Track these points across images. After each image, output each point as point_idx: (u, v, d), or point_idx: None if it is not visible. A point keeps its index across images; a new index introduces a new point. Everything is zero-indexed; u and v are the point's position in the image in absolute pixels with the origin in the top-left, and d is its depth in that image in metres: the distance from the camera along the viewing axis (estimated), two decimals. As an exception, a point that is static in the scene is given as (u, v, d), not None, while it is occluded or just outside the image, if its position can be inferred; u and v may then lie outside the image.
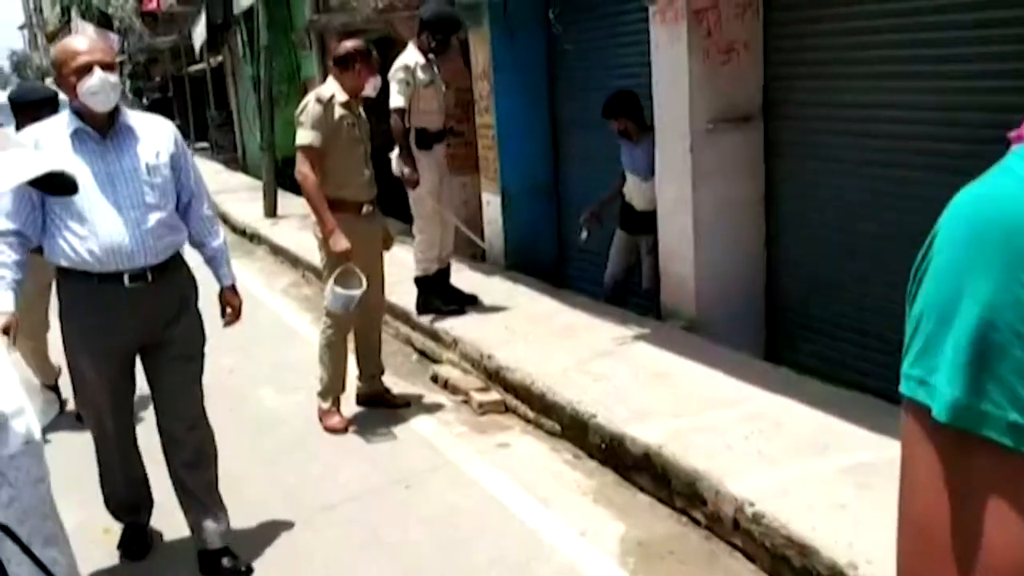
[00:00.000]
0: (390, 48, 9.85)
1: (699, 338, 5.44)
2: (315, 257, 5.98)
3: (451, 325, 6.03)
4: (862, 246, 4.99)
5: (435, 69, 6.05)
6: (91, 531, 3.75)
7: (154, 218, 3.24)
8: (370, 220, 5.00)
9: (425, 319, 6.26)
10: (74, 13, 33.36)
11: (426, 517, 4.00)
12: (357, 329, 5.14)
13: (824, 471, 3.65)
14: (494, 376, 5.32)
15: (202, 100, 22.74)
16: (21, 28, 79.24)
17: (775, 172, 5.59)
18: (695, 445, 3.95)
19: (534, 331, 5.83)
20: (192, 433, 3.53)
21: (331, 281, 4.70)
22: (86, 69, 3.09)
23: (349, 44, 5.01)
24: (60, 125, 3.22)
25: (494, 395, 5.22)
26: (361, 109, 5.00)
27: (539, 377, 4.95)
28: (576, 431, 4.54)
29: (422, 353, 6.25)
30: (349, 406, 5.19)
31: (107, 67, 3.14)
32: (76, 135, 3.18)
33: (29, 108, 4.50)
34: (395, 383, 5.50)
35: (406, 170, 5.88)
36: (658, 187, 5.84)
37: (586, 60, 6.97)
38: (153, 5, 23.93)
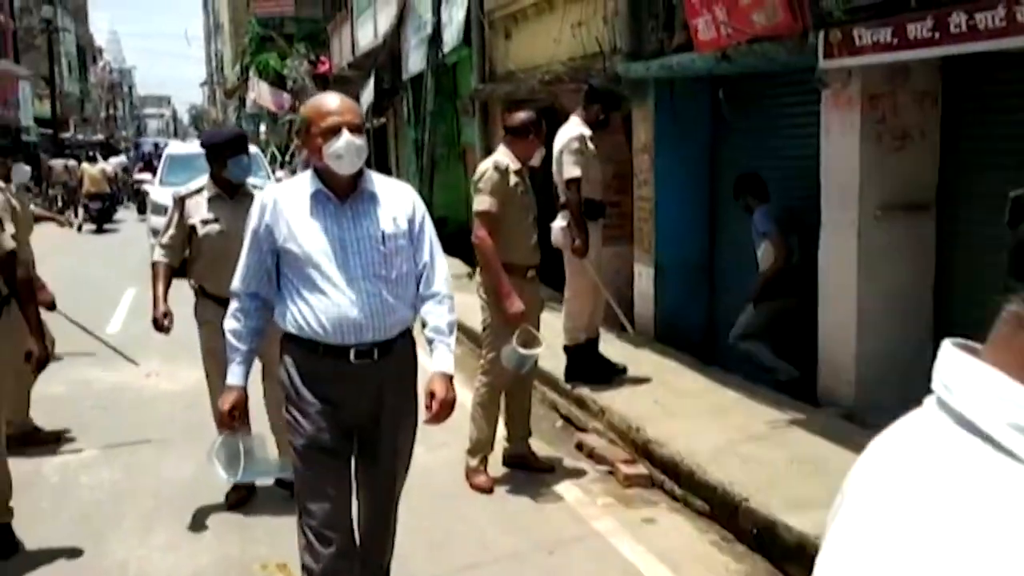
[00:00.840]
0: (551, 119, 10.11)
1: (858, 428, 5.26)
2: (469, 317, 6.14)
3: (598, 395, 6.04)
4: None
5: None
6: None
7: (386, 291, 3.03)
8: (534, 284, 5.15)
9: (573, 387, 6.29)
10: (252, 73, 35.58)
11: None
12: (509, 391, 5.22)
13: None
14: (641, 449, 5.29)
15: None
16: (202, 85, 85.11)
17: (947, 262, 5.42)
18: (854, 539, 3.80)
19: (683, 407, 5.78)
20: (380, 525, 3.32)
21: (514, 340, 4.80)
22: (334, 130, 2.94)
23: (523, 115, 5.19)
24: (302, 184, 3.08)
25: (641, 468, 5.18)
26: (528, 177, 5.16)
27: (689, 454, 4.90)
28: (726, 513, 4.46)
29: (567, 420, 6.28)
30: (495, 466, 5.25)
31: (355, 129, 2.97)
32: (315, 197, 3.02)
33: (214, 150, 4.75)
34: (540, 447, 5.53)
35: (577, 240, 5.92)
36: (821, 272, 5.74)
37: (751, 140, 6.97)
38: (325, 68, 25.40)
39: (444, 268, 3.26)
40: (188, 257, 4.86)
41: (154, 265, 4.89)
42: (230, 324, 3.17)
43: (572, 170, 5.92)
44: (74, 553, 4.35)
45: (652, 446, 5.19)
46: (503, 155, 5.08)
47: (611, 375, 6.33)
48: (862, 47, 4.81)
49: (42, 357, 4.22)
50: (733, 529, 4.40)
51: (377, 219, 3.04)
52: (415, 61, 14.36)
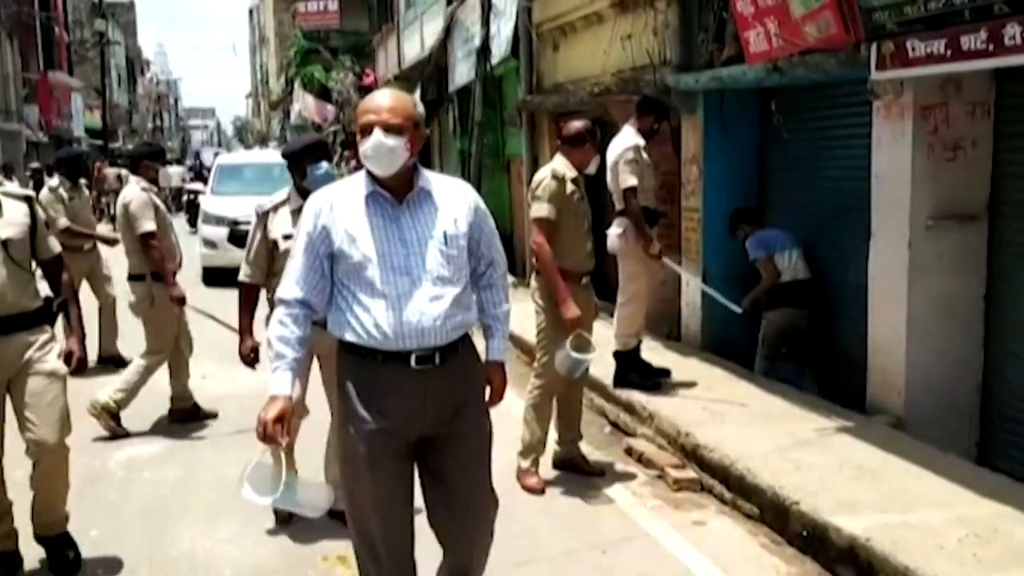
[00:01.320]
0: (601, 131, 10.21)
1: (906, 436, 5.30)
2: (521, 324, 6.23)
3: (647, 400, 6.12)
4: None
5: None
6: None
7: (447, 293, 2.91)
8: (587, 291, 5.25)
9: (621, 392, 6.38)
10: (297, 84, 36.08)
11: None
12: (561, 395, 5.31)
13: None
14: (691, 454, 5.36)
15: (407, 170, 24.10)
16: (247, 97, 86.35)
17: (998, 272, 5.45)
18: (905, 541, 3.86)
19: (732, 413, 5.84)
20: (473, 539, 3.14)
21: (567, 345, 4.85)
22: (366, 130, 2.84)
23: (579, 124, 5.30)
24: (357, 186, 2.97)
25: (690, 473, 5.25)
26: (583, 185, 5.26)
27: (739, 459, 4.96)
28: (775, 516, 4.52)
29: (615, 425, 6.36)
30: (545, 469, 5.34)
31: (391, 129, 2.83)
32: (372, 198, 2.92)
33: (294, 159, 4.57)
34: (589, 452, 5.62)
35: (654, 249, 6.17)
36: (871, 280, 5.78)
37: (800, 151, 7.03)
38: (371, 80, 25.71)
39: (504, 265, 3.23)
40: (269, 271, 4.55)
41: (240, 286, 4.64)
42: (277, 331, 2.95)
43: (629, 179, 6.10)
44: (142, 543, 4.53)
45: (701, 451, 5.26)
46: (560, 164, 5.19)
47: (656, 378, 6.43)
48: (914, 58, 4.86)
49: (81, 357, 4.11)
50: (783, 532, 4.46)
51: (437, 219, 2.94)
52: (462, 73, 14.53)
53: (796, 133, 6.86)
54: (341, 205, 2.93)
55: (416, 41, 18.19)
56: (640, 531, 4.64)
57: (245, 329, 4.61)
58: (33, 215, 4.00)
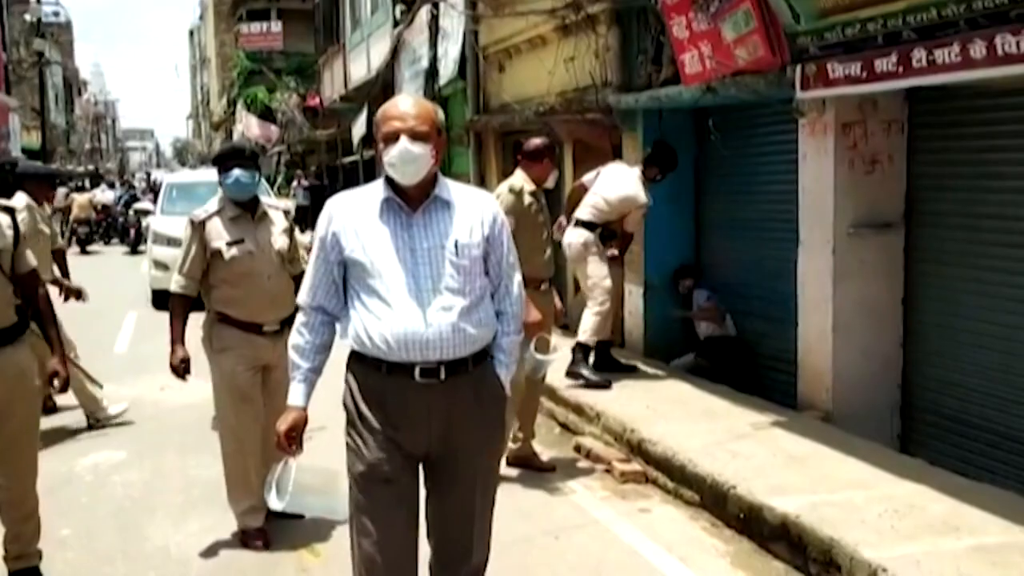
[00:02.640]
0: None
1: (834, 428, 5.72)
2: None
3: (595, 401, 6.47)
4: (996, 349, 5.25)
5: None
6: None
7: (456, 305, 2.81)
8: (547, 295, 5.55)
9: (570, 395, 6.72)
10: (239, 105, 36.00)
11: (574, 565, 4.38)
12: (523, 396, 5.53)
13: (956, 548, 3.90)
14: (636, 448, 5.71)
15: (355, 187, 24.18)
16: (188, 118, 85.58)
17: (914, 276, 5.92)
18: (831, 517, 4.25)
19: (674, 411, 6.21)
20: (456, 562, 3.04)
21: (531, 347, 4.97)
22: (392, 137, 2.77)
23: (538, 140, 5.66)
24: (373, 192, 2.90)
25: (635, 466, 5.60)
26: (543, 198, 5.62)
27: (680, 451, 5.33)
28: (715, 501, 4.88)
29: (564, 426, 6.70)
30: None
31: (417, 136, 2.76)
32: (387, 204, 2.85)
33: (217, 163, 4.56)
34: (542, 451, 5.93)
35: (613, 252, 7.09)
36: (800, 286, 6.22)
37: (734, 166, 7.47)
38: (316, 102, 25.87)
39: (518, 285, 3.09)
40: (206, 284, 4.52)
41: (172, 299, 4.58)
42: (294, 339, 2.98)
43: (646, 197, 7.12)
44: (116, 539, 4.72)
45: (646, 445, 5.61)
46: (518, 178, 5.51)
47: (619, 373, 7.12)
48: (835, 79, 5.31)
49: (65, 377, 3.94)
50: (721, 516, 4.82)
51: (451, 228, 2.84)
52: (409, 93, 14.83)
53: (730, 150, 7.30)
54: (355, 211, 2.87)
55: (363, 62, 18.46)
56: (590, 519, 4.97)
57: (176, 340, 4.55)
58: (15, 227, 3.90)
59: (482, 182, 11.94)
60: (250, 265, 4.46)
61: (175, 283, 4.54)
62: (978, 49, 4.39)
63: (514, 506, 5.10)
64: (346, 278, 2.91)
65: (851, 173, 5.87)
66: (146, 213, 18.92)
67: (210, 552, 4.53)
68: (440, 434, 2.87)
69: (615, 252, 7.17)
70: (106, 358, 9.55)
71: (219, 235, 4.45)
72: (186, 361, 4.56)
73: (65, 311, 11.54)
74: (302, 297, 2.99)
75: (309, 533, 4.60)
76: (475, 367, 2.89)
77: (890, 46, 4.93)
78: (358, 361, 2.90)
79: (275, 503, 3.18)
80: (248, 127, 34.06)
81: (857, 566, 3.85)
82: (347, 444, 2.94)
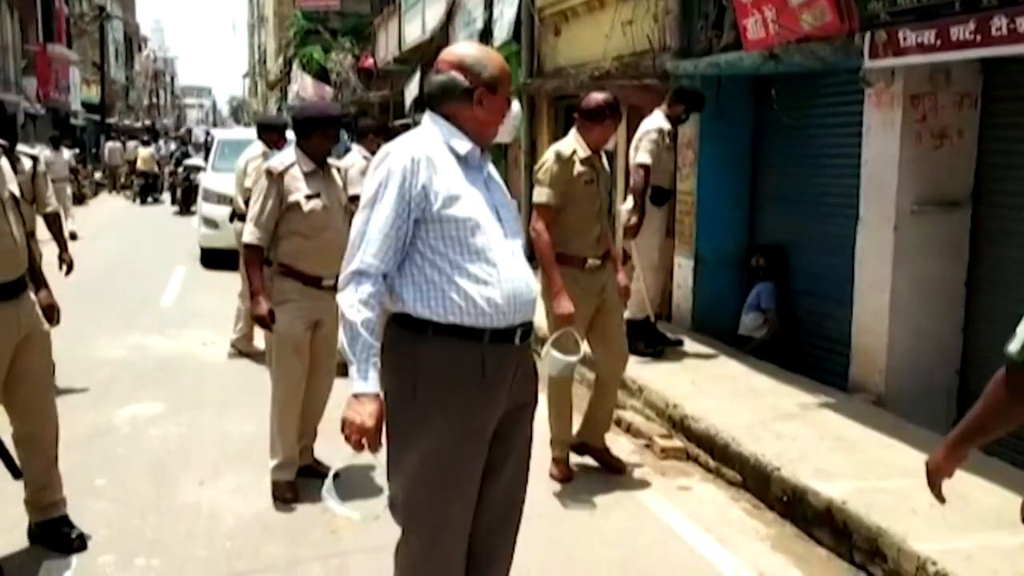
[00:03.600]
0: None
1: (886, 412, 5.51)
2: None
3: (637, 374, 6.31)
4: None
5: None
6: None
7: (525, 264, 2.72)
8: (594, 276, 4.84)
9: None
10: (295, 65, 36.09)
11: (609, 540, 4.26)
12: (596, 390, 5.13)
13: (1011, 544, 3.69)
14: (678, 425, 5.55)
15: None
16: (244, 76, 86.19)
17: (980, 258, 5.64)
18: (878, 504, 4.06)
19: (719, 388, 6.03)
20: (506, 543, 2.89)
21: (547, 344, 4.37)
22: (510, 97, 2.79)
23: (599, 96, 4.88)
24: (435, 141, 2.64)
25: (677, 442, 5.45)
26: (605, 162, 4.98)
27: (723, 429, 5.16)
28: (757, 482, 4.71)
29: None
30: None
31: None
32: (470, 156, 2.66)
33: (307, 125, 4.56)
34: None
35: (634, 219, 6.43)
36: (858, 264, 5.97)
37: (794, 138, 7.20)
38: (370, 63, 25.77)
39: None
40: (277, 234, 4.50)
41: (248, 250, 4.51)
42: (362, 313, 2.52)
43: (643, 157, 6.47)
44: (148, 492, 4.70)
45: (688, 422, 5.45)
46: (570, 142, 4.82)
47: (666, 346, 6.90)
48: (906, 48, 5.04)
49: (57, 308, 4.14)
50: (764, 498, 4.66)
51: (501, 185, 2.80)
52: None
53: (791, 119, 7.03)
54: (439, 161, 2.61)
55: (417, 24, 18.27)
56: (628, 495, 4.83)
57: (259, 290, 4.45)
58: (35, 170, 4.02)
59: (533, 148, 11.75)
60: (324, 219, 4.52)
61: (250, 234, 4.49)
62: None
63: (548, 480, 4.99)
64: (414, 241, 2.60)
65: (918, 148, 5.59)
66: (197, 170, 18.80)
67: (240, 510, 4.49)
68: (515, 399, 2.72)
69: (631, 223, 6.47)
70: (152, 312, 9.63)
71: (297, 188, 4.48)
72: (272, 312, 4.46)
73: (115, 264, 11.69)
74: (368, 260, 2.55)
75: (342, 492, 4.52)
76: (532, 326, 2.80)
77: (968, 13, 4.66)
78: (441, 334, 2.55)
79: (350, 514, 2.76)
80: (303, 87, 34.13)
81: (904, 557, 3.68)
82: (407, 431, 2.60)
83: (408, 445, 2.61)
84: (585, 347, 4.79)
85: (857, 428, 5.17)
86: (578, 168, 4.75)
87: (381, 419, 2.53)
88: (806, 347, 7.09)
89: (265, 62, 60.28)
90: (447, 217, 2.56)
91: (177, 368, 7.22)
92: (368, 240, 2.57)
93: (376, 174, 2.61)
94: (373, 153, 6.89)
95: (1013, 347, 2.04)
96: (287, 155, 4.60)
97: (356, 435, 2.50)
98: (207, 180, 13.66)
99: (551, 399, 4.86)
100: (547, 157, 4.88)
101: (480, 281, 2.56)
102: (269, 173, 4.49)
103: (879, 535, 3.84)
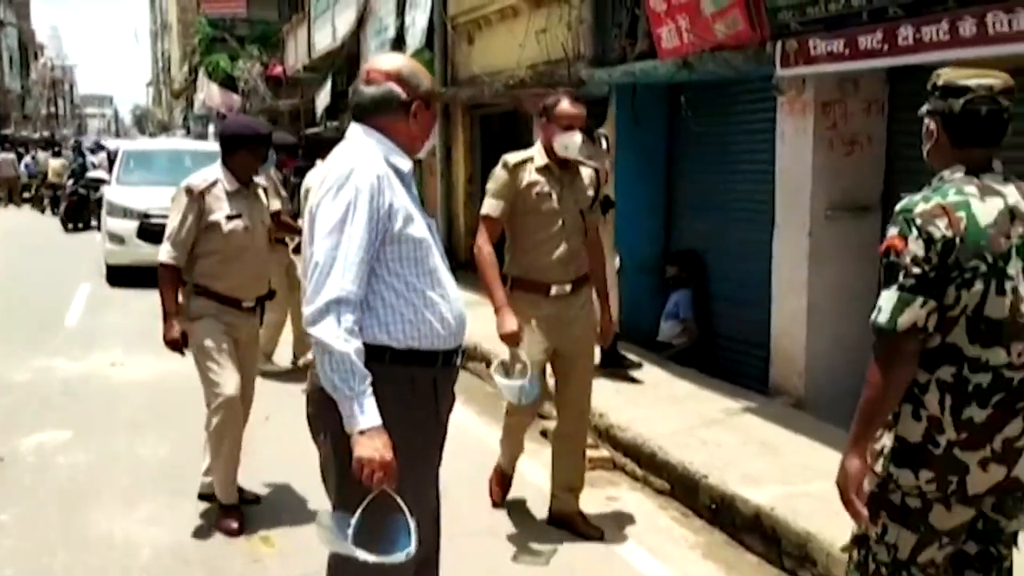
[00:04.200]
0: (512, 124, 10.39)
1: (806, 415, 5.60)
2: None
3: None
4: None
5: None
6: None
7: None
8: (561, 303, 4.19)
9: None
10: (201, 73, 35.31)
11: (541, 555, 4.22)
12: (557, 434, 4.51)
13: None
14: (604, 435, 5.55)
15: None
16: (148, 85, 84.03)
17: (891, 261, 5.78)
18: (805, 509, 4.11)
19: (643, 397, 6.06)
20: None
21: (493, 367, 4.15)
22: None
23: (567, 95, 4.26)
24: (376, 157, 2.54)
25: (604, 452, 5.44)
26: (589, 174, 4.31)
27: (650, 437, 5.17)
28: (685, 490, 4.73)
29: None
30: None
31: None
32: (405, 175, 2.61)
33: (235, 142, 4.40)
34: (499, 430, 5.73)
35: None
36: (775, 269, 6.07)
37: (709, 145, 7.30)
38: (279, 71, 25.36)
39: None
40: (192, 254, 4.32)
41: (162, 270, 4.29)
42: (350, 343, 2.36)
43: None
44: (58, 525, 4.47)
45: (614, 431, 5.45)
46: (527, 151, 4.23)
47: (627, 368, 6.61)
48: (816, 56, 5.14)
49: None
50: (692, 505, 4.67)
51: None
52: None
53: (705, 127, 7.13)
54: (391, 179, 2.52)
55: (328, 31, 18.06)
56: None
57: (171, 313, 4.29)
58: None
59: (448, 156, 11.70)
60: (245, 240, 4.37)
61: (165, 253, 4.29)
62: (967, 27, 4.25)
63: (478, 498, 4.92)
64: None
65: (830, 154, 5.72)
66: (100, 183, 17.83)
67: (157, 541, 4.30)
68: (446, 420, 2.72)
69: None
70: (56, 332, 9.25)
71: (219, 207, 4.32)
72: (184, 335, 4.31)
73: (16, 279, 11.20)
74: (348, 287, 2.37)
75: (264, 520, 4.41)
76: None
77: (875, 23, 4.78)
78: (396, 361, 2.47)
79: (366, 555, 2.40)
80: (210, 95, 33.40)
81: (833, 562, 3.72)
82: (409, 468, 2.47)
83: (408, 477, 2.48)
84: (536, 374, 4.13)
85: (779, 432, 5.24)
86: (528, 177, 4.12)
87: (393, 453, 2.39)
88: (726, 352, 7.19)
89: (169, 70, 58.87)
90: (407, 237, 2.49)
91: (85, 391, 6.92)
92: (345, 265, 2.39)
93: (342, 194, 2.42)
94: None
95: (881, 318, 2.37)
96: (210, 172, 4.40)
97: (380, 471, 2.35)
98: (111, 194, 13.02)
99: (504, 426, 4.63)
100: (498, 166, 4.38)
101: (435, 303, 2.53)
102: (189, 191, 4.30)
103: (808, 540, 3.89)
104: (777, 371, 6.08)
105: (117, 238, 11.97)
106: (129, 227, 11.92)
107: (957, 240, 2.31)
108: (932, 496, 2.42)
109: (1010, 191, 2.41)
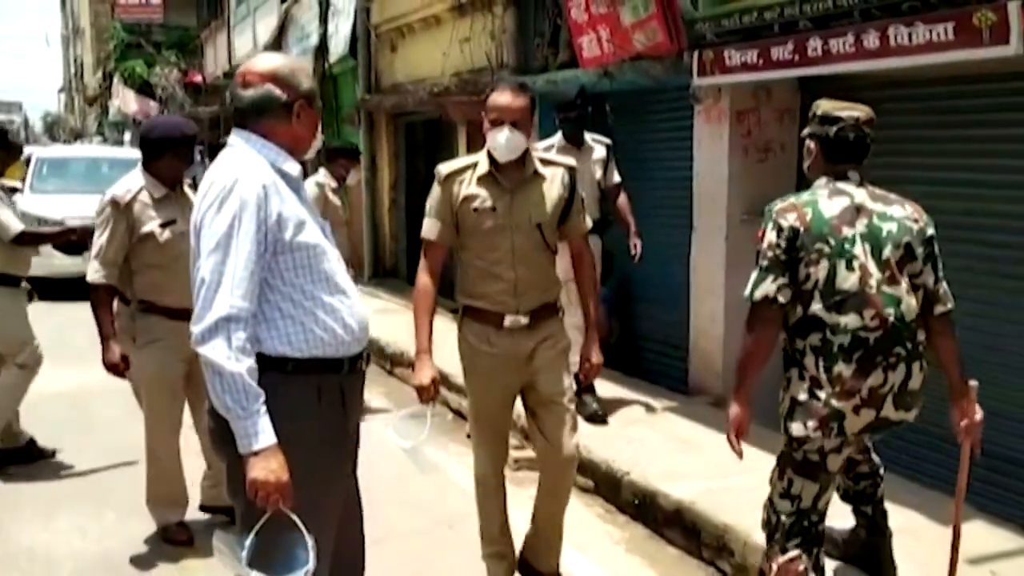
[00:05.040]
0: (437, 131, 10.45)
1: (724, 412, 5.77)
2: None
3: (489, 387, 6.38)
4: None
5: None
6: None
7: None
8: (516, 338, 3.49)
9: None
10: (116, 79, 34.55)
11: (470, 555, 4.28)
12: (535, 500, 3.92)
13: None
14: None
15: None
16: (60, 91, 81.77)
17: (803, 264, 6.01)
18: (724, 503, 4.27)
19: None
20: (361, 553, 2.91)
21: (391, 425, 3.59)
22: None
23: (503, 84, 3.66)
24: (262, 165, 2.48)
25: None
26: (555, 177, 3.54)
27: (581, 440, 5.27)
28: (609, 487, 4.86)
29: (457, 412, 6.58)
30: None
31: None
32: (297, 178, 2.58)
33: (160, 146, 4.19)
34: (434, 439, 5.77)
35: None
36: (693, 272, 6.26)
37: (629, 152, 7.46)
38: (198, 78, 24.99)
39: None
40: (130, 268, 4.15)
41: (95, 291, 4.09)
42: (247, 362, 2.32)
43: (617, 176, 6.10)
44: (-24, 539, 4.39)
45: (540, 432, 5.54)
46: (465, 158, 3.63)
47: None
48: (731, 66, 5.33)
49: None
50: (615, 502, 4.80)
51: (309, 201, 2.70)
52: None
53: (627, 135, 7.29)
54: (280, 186, 2.46)
55: (248, 37, 17.87)
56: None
57: (109, 336, 4.11)
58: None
59: (373, 163, 11.70)
60: (184, 246, 4.10)
61: (95, 272, 4.07)
62: (871, 39, 4.46)
63: (409, 498, 4.98)
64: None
65: (744, 160, 5.92)
66: (12, 191, 17.42)
67: (80, 552, 4.25)
68: (356, 426, 2.72)
69: None
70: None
71: (149, 216, 4.10)
72: (125, 358, 4.14)
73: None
74: (237, 303, 2.31)
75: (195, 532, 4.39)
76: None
77: (786, 35, 4.98)
78: (303, 372, 2.44)
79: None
80: (125, 102, 32.73)
81: (749, 550, 3.88)
82: (311, 475, 2.45)
83: (303, 487, 2.42)
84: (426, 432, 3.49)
85: (699, 429, 5.41)
86: (467, 190, 3.41)
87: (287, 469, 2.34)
88: (647, 353, 7.35)
89: (82, 76, 57.39)
90: (300, 245, 2.43)
91: None
92: (233, 281, 2.32)
93: (226, 207, 2.35)
94: (341, 180, 6.58)
95: (747, 291, 3.09)
96: (132, 180, 4.17)
97: (274, 494, 2.31)
98: (25, 203, 12.27)
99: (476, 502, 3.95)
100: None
101: (335, 309, 2.49)
102: (115, 204, 4.08)
103: (726, 531, 4.04)
104: (696, 371, 6.26)
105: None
106: None
107: (802, 229, 2.99)
108: (827, 447, 3.09)
109: (859, 193, 3.07)
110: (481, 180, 3.43)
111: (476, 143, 8.94)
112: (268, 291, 2.41)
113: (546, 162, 3.61)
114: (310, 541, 2.34)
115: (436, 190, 3.50)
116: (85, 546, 4.32)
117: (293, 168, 2.52)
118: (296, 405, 2.42)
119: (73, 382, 6.96)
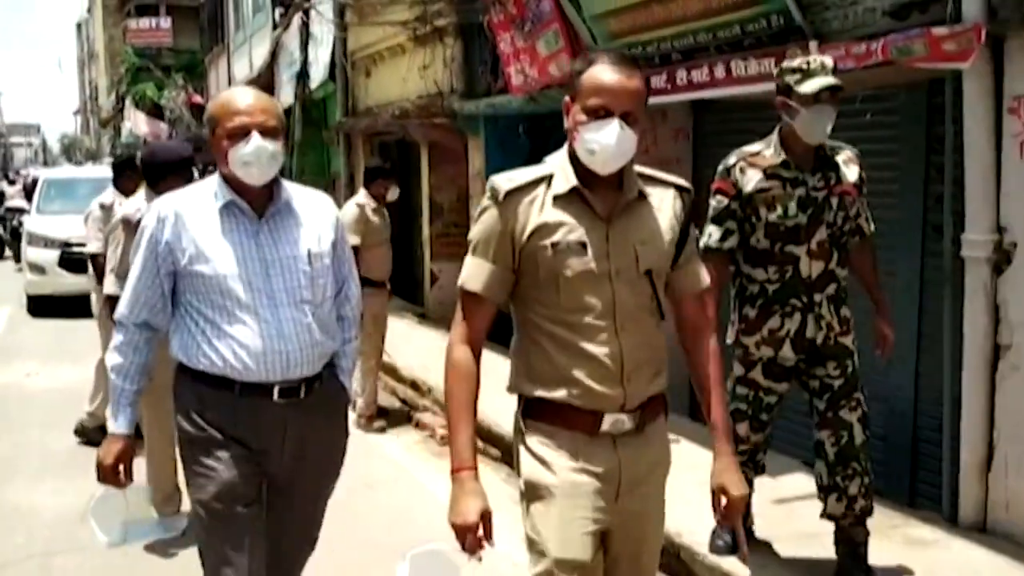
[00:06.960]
0: (406, 151, 11.31)
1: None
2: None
3: (426, 376, 7.20)
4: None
5: None
6: None
7: (311, 318, 2.66)
8: (624, 449, 2.30)
9: (407, 371, 7.43)
10: (128, 102, 35.57)
11: (389, 516, 5.02)
12: None
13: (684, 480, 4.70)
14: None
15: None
16: (75, 113, 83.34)
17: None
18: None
19: (486, 381, 6.93)
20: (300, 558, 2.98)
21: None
22: (241, 133, 2.53)
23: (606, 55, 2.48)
24: (207, 195, 2.66)
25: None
26: (656, 196, 2.41)
27: (489, 415, 6.08)
28: (511, 456, 5.64)
29: (403, 401, 7.41)
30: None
31: (268, 132, 2.55)
32: (227, 209, 2.63)
33: (161, 170, 4.37)
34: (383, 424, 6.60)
35: None
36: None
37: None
38: (199, 99, 25.96)
39: (356, 286, 2.96)
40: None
41: (112, 300, 3.98)
42: (115, 359, 2.70)
43: None
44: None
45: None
46: (556, 157, 2.55)
47: None
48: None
49: None
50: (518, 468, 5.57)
51: (300, 235, 2.69)
52: (287, 94, 15.33)
53: (544, 153, 8.11)
54: (190, 217, 2.62)
55: (246, 62, 18.80)
56: (407, 475, 5.69)
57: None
58: None
59: (352, 181, 12.57)
60: None
61: (112, 285, 4.29)
62: (720, 71, 5.27)
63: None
64: (175, 291, 2.67)
65: (646, 174, 6.70)
66: (19, 212, 17.44)
67: (60, 505, 5.01)
68: (293, 451, 2.71)
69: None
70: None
71: None
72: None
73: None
74: (122, 311, 2.70)
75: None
76: (327, 380, 2.78)
77: (663, 65, 5.79)
78: (201, 382, 2.63)
79: (105, 539, 2.95)
80: (136, 124, 33.66)
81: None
82: (191, 470, 2.69)
83: (187, 481, 2.76)
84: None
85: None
86: (542, 217, 2.26)
87: (122, 458, 2.69)
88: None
89: (97, 99, 58.67)
90: (195, 273, 2.59)
91: (2, 397, 7.62)
92: (129, 293, 2.70)
93: (139, 234, 2.72)
94: (379, 199, 6.50)
95: (711, 241, 3.77)
96: (140, 201, 4.36)
97: (97, 471, 2.71)
98: (31, 223, 12.98)
99: None
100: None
101: (225, 336, 2.59)
102: (126, 222, 4.27)
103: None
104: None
105: (38, 268, 11.96)
106: (50, 257, 11.89)
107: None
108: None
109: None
110: (560, 202, 2.25)
111: (438, 162, 9.80)
112: (181, 307, 2.68)
113: (647, 178, 2.36)
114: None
115: (489, 216, 2.25)
116: (65, 501, 5.01)
117: (224, 196, 2.64)
118: (192, 407, 2.69)
119: (69, 379, 7.83)
